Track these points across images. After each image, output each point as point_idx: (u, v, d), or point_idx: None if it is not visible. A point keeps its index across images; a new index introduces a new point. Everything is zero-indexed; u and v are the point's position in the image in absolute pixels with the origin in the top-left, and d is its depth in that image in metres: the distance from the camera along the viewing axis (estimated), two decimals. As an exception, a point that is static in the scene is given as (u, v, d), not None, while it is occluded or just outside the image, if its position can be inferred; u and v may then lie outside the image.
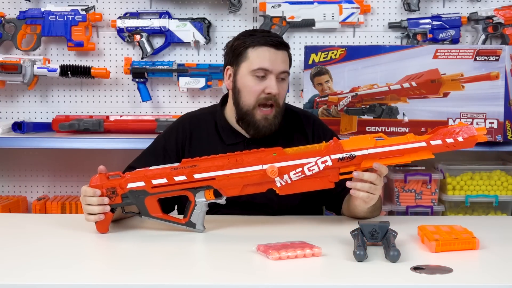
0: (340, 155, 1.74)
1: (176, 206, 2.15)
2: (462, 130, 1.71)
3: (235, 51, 2.05)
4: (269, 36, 2.04)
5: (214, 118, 2.14)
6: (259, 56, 2.01)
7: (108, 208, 1.81)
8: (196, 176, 1.78)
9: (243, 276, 1.47)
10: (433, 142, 1.72)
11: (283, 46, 2.04)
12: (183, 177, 1.78)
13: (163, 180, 1.79)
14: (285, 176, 1.75)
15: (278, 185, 1.76)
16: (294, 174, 1.75)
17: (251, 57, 2.02)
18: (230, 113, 2.11)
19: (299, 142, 2.08)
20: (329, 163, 1.74)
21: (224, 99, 2.16)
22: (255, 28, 3.17)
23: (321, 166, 1.74)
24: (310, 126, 2.16)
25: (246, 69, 2.03)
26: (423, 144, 1.72)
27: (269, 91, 2.00)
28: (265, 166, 1.75)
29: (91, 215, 1.81)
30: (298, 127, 2.14)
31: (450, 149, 1.73)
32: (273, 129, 2.04)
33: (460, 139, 1.71)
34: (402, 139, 1.74)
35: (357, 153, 1.73)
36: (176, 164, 1.80)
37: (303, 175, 1.75)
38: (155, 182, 1.79)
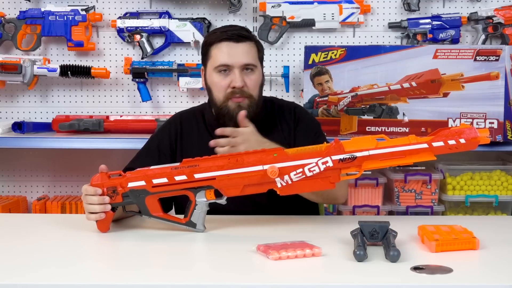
0: (341, 156, 1.73)
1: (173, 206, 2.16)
2: (464, 132, 1.71)
3: (202, 51, 2.12)
4: (229, 30, 2.06)
5: (203, 115, 2.17)
6: (219, 52, 2.05)
7: (109, 207, 1.81)
8: (197, 176, 1.78)
9: (243, 276, 1.47)
10: (435, 144, 1.71)
11: (244, 38, 2.06)
12: (183, 177, 1.78)
13: (164, 180, 1.79)
14: (286, 177, 1.75)
15: (279, 185, 1.76)
16: (294, 174, 1.74)
17: (213, 55, 2.06)
18: None
19: (281, 132, 2.12)
20: (330, 164, 1.73)
21: None
22: (255, 28, 3.17)
23: (322, 167, 1.73)
24: (291, 113, 2.17)
25: (211, 67, 2.07)
26: (425, 145, 1.71)
27: (233, 84, 2.04)
28: (266, 167, 1.75)
29: (92, 214, 1.81)
30: (280, 118, 2.16)
31: (453, 151, 1.72)
32: (247, 116, 2.04)
33: (462, 141, 1.70)
34: (404, 141, 1.73)
35: (358, 154, 1.73)
36: (177, 164, 1.80)
37: (304, 176, 1.74)
38: (155, 181, 1.80)
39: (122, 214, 1.91)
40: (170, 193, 1.82)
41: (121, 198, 1.82)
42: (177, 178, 1.79)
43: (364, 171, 1.78)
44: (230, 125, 2.05)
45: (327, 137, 2.16)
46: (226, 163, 1.77)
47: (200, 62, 3.11)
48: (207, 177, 1.78)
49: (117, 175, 1.83)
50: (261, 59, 2.12)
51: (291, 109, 2.19)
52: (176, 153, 2.12)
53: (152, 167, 1.82)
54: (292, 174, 1.74)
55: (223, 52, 2.04)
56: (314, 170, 1.74)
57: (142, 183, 1.81)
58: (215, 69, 2.05)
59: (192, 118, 2.17)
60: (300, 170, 1.74)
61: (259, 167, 1.75)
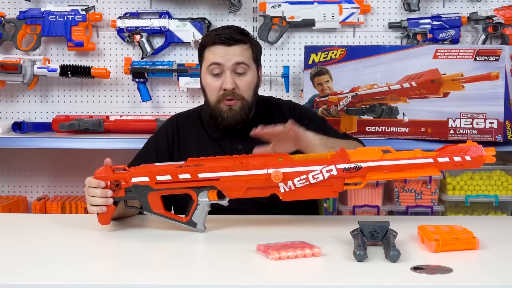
0: (346, 165, 1.73)
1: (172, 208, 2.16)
2: (470, 150, 1.71)
3: (198, 52, 2.15)
4: (222, 33, 2.07)
5: (200, 116, 2.19)
6: (211, 54, 2.07)
7: (111, 200, 1.82)
8: (201, 175, 1.79)
9: (243, 276, 1.47)
10: (440, 159, 1.71)
11: (236, 42, 2.07)
12: (187, 176, 1.79)
13: (168, 177, 1.80)
14: (289, 182, 1.75)
15: (282, 190, 1.76)
16: (298, 180, 1.74)
17: (206, 56, 2.09)
18: None
19: None
20: (334, 172, 1.73)
21: None
22: (255, 28, 3.17)
23: (326, 175, 1.73)
24: (291, 112, 2.19)
25: (204, 68, 2.10)
26: (430, 160, 1.71)
27: (224, 86, 2.06)
28: (270, 171, 1.75)
29: (93, 207, 1.82)
30: (279, 116, 2.17)
31: (458, 168, 1.72)
32: (238, 119, 2.07)
33: (468, 158, 1.70)
34: (410, 154, 1.73)
35: (363, 165, 1.72)
36: (182, 162, 1.81)
37: (307, 183, 1.74)
38: (159, 178, 1.80)
39: (123, 212, 1.92)
40: (172, 191, 1.83)
41: (123, 192, 1.82)
42: (181, 176, 1.79)
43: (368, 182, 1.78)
44: (220, 125, 2.09)
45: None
46: (231, 164, 1.77)
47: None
48: (211, 177, 1.78)
49: (121, 169, 1.84)
50: (256, 60, 2.12)
51: (290, 107, 2.21)
52: (173, 154, 2.13)
53: (156, 164, 1.82)
54: (295, 180, 1.74)
55: (215, 53, 2.06)
56: (318, 177, 1.73)
57: (146, 179, 1.81)
58: (207, 70, 2.08)
59: (189, 120, 2.19)
60: (304, 176, 1.74)
61: (263, 171, 1.75)
